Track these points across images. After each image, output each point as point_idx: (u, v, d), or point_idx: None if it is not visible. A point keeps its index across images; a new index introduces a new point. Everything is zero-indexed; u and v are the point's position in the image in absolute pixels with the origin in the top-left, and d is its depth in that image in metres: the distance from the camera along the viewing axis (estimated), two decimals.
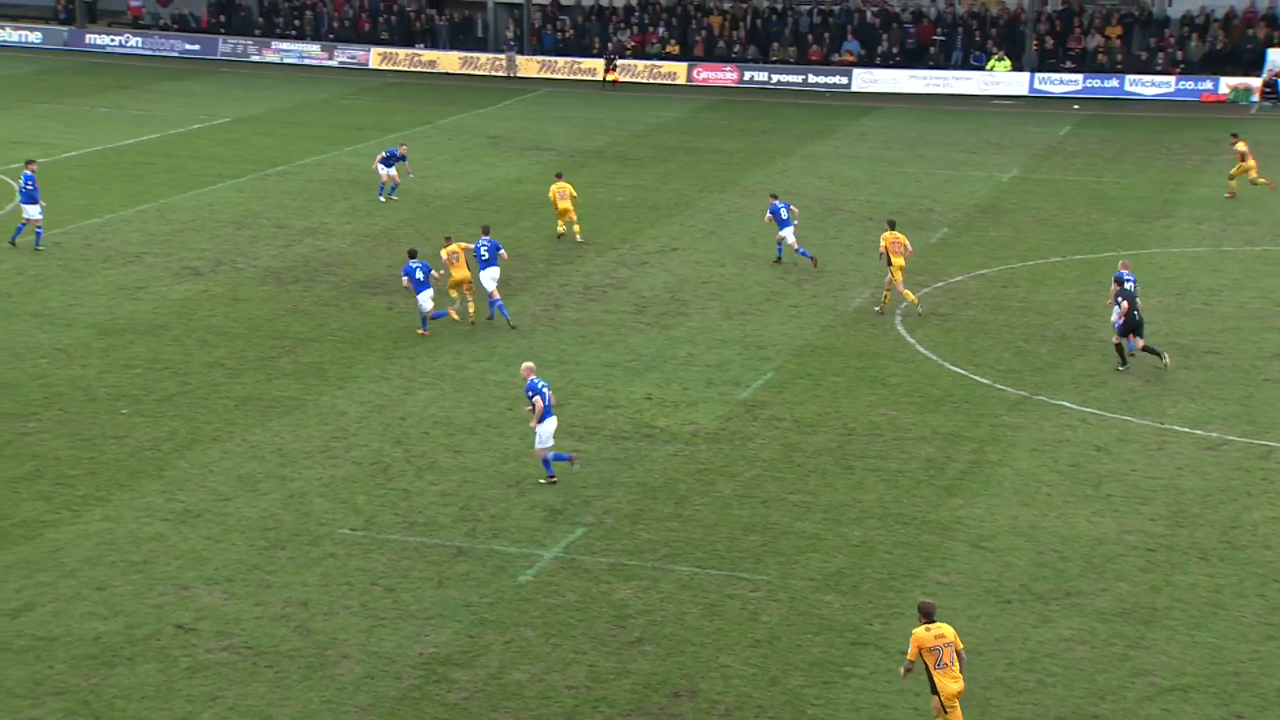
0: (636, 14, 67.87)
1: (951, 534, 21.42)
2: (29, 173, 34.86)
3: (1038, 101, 59.55)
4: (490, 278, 30.08)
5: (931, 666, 15.52)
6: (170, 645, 17.98)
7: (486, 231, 30.96)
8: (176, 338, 29.22)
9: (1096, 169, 46.93)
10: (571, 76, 64.55)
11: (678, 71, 64.07)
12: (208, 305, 31.38)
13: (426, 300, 29.19)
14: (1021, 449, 24.49)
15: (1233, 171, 41.97)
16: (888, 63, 63.77)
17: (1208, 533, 21.57)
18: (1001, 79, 61.14)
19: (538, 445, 22.52)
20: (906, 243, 31.16)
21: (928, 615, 15.80)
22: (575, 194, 36.88)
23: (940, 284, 33.89)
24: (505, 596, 19.38)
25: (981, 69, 62.21)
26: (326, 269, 34.35)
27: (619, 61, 63.37)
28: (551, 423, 22.47)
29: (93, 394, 26.07)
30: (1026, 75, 61.05)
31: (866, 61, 63.85)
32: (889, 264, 30.91)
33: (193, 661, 17.65)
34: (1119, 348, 27.95)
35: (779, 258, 35.20)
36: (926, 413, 26.00)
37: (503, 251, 30.52)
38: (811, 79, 62.97)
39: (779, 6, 67.32)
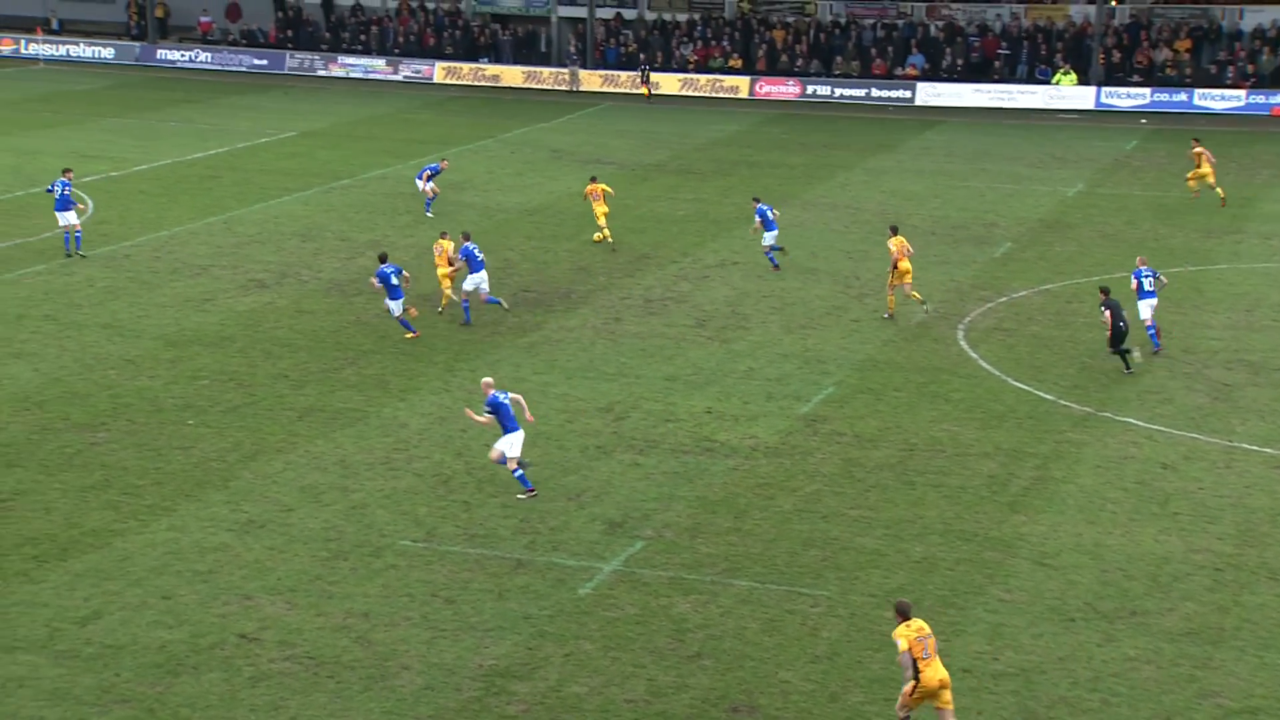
0: (699, 28, 67.97)
1: (1014, 551, 21.23)
2: (66, 180, 36.09)
3: (1104, 116, 58.98)
4: (483, 280, 31.23)
5: (919, 656, 16.09)
6: (234, 655, 18.17)
7: (468, 237, 31.74)
8: (242, 349, 29.55)
9: (1164, 184, 46.39)
10: (634, 91, 64.71)
11: (740, 85, 64.07)
12: (273, 317, 31.73)
13: (397, 307, 30.15)
14: (1086, 466, 24.23)
15: (1198, 175, 42.59)
16: (952, 76, 63.43)
17: (1277, 552, 21.22)
18: (1067, 93, 60.63)
19: (505, 450, 22.56)
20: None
21: (904, 614, 16.37)
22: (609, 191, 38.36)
23: (1004, 299, 33.64)
24: (565, 609, 19.42)
25: (1047, 83, 61.72)
26: None
27: (652, 75, 63.80)
28: (517, 436, 22.50)
29: (160, 405, 26.41)
30: (1093, 89, 60.51)
31: (930, 75, 63.54)
32: (894, 268, 31.40)
33: (256, 671, 17.82)
34: (1121, 356, 28.36)
35: (775, 265, 35.65)
36: (989, 428, 25.80)
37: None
38: (874, 93, 62.74)
39: (842, 20, 67.17)
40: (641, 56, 65.99)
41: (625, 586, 20.03)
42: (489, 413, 22.49)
